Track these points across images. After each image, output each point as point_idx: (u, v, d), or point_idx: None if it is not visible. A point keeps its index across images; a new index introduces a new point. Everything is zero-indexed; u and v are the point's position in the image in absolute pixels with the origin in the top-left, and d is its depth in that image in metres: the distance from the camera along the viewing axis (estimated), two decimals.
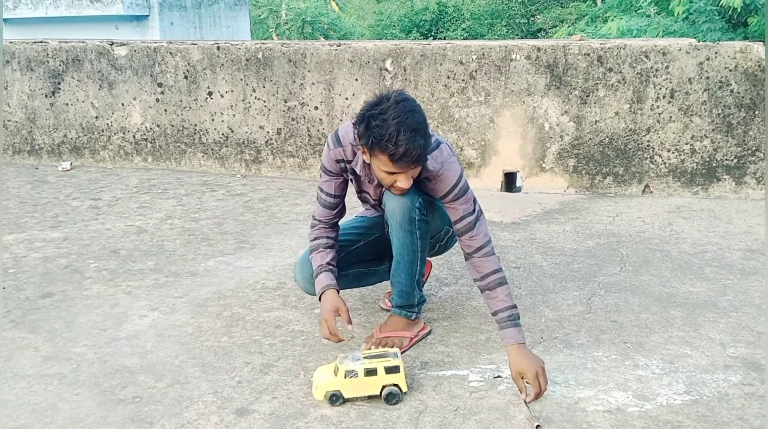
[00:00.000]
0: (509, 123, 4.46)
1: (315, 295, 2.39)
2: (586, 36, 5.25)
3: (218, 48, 4.90)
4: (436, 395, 2.18)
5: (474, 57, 4.40)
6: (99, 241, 3.67)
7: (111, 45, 5.15)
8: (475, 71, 4.42)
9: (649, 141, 4.27)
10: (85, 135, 5.35)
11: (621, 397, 2.16)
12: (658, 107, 4.20)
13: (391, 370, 2.11)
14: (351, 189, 2.55)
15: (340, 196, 2.47)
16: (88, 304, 2.90)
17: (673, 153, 4.26)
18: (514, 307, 2.25)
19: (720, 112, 4.14)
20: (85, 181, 4.92)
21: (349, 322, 2.29)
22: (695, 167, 4.26)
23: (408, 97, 2.10)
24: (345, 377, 2.09)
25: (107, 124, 5.28)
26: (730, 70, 4.06)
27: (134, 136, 5.25)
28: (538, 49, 4.31)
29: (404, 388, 2.13)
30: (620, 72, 4.20)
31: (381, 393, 2.11)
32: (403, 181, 2.13)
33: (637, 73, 4.18)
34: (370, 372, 2.10)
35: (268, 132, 4.94)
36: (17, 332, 2.65)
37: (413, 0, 21.12)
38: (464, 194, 2.27)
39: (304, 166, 4.92)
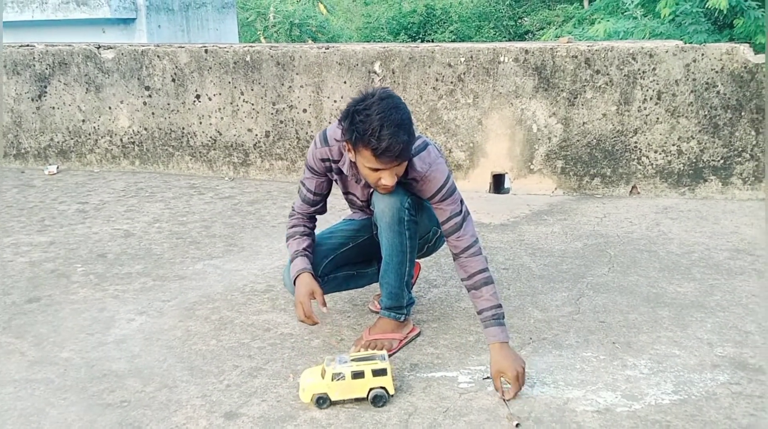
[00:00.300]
0: (497, 125, 4.47)
1: None
2: (574, 38, 5.27)
3: (206, 51, 4.89)
4: (426, 397, 2.18)
5: (462, 59, 4.41)
6: (86, 244, 3.64)
7: (98, 48, 5.13)
8: (464, 74, 4.43)
9: (636, 142, 4.29)
10: (72, 138, 5.32)
11: (610, 397, 2.16)
12: (645, 109, 4.22)
13: (379, 372, 2.11)
14: (337, 191, 2.55)
15: (321, 195, 2.49)
16: (75, 309, 2.88)
17: (660, 154, 4.28)
18: (499, 306, 2.26)
19: (706, 113, 4.16)
20: (72, 185, 4.89)
21: (324, 304, 2.32)
22: (682, 168, 4.29)
23: (393, 94, 2.11)
24: (332, 380, 2.09)
25: (94, 127, 5.25)
26: (717, 72, 4.09)
27: (121, 140, 5.23)
28: (526, 52, 4.32)
29: (391, 391, 2.13)
30: (608, 74, 4.22)
31: (368, 396, 2.11)
32: (387, 179, 2.14)
33: (625, 75, 4.20)
34: (358, 375, 2.10)
35: (257, 135, 4.93)
36: (3, 337, 2.63)
37: (401, 2, 21.17)
38: (451, 195, 2.28)
39: (293, 169, 4.91)
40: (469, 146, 4.55)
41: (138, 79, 5.06)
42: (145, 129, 5.15)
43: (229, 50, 4.87)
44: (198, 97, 4.97)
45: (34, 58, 5.23)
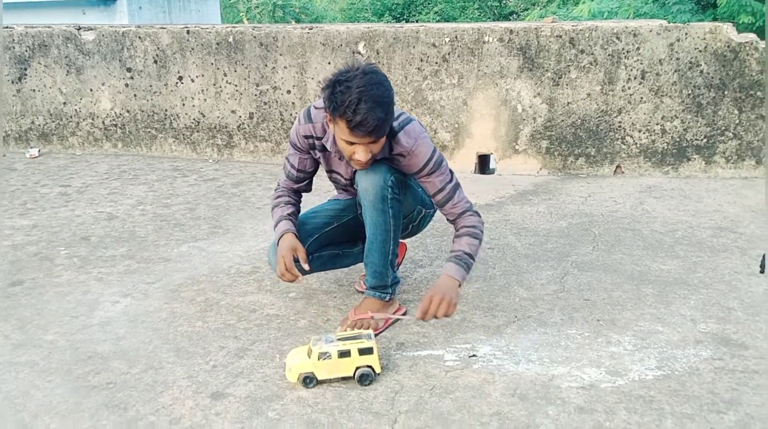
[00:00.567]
0: (482, 105, 4.46)
1: None
2: (558, 18, 5.26)
3: (188, 32, 4.84)
4: (412, 375, 2.19)
5: (447, 40, 4.39)
6: (69, 228, 3.62)
7: (78, 30, 5.06)
8: (448, 54, 4.41)
9: (620, 122, 4.30)
10: (53, 121, 5.26)
11: (594, 373, 2.18)
12: (629, 88, 4.23)
13: (365, 351, 2.11)
14: (322, 172, 2.54)
15: (305, 172, 2.50)
16: (59, 292, 2.86)
17: (644, 133, 4.30)
18: (470, 256, 2.30)
19: (690, 92, 4.17)
20: (54, 168, 4.84)
21: (306, 262, 2.34)
22: (666, 147, 4.31)
23: (378, 71, 2.11)
24: (318, 359, 2.09)
25: (75, 110, 5.20)
26: (700, 51, 4.10)
27: (103, 122, 5.18)
28: (511, 32, 4.31)
29: (378, 370, 2.13)
30: (592, 54, 4.22)
31: (354, 374, 2.12)
32: (361, 154, 2.14)
33: (609, 55, 4.20)
34: (344, 354, 2.10)
35: (240, 116, 4.90)
36: None
37: None
38: (440, 167, 2.30)
39: (277, 151, 4.88)
40: (455, 127, 4.54)
41: (119, 60, 5.00)
42: (128, 111, 5.10)
43: (211, 31, 4.82)
44: (180, 78, 4.92)
45: (13, 40, 5.15)
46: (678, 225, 3.50)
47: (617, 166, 4.40)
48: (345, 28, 4.58)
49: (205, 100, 4.92)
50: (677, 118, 4.24)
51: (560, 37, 4.24)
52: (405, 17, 19.85)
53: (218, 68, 4.83)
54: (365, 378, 2.12)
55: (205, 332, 2.49)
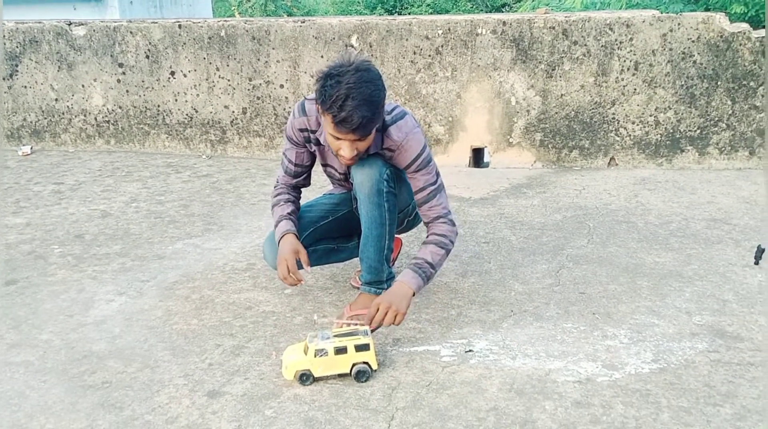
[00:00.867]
0: (476, 98, 4.45)
1: None
2: (551, 9, 5.25)
3: (180, 26, 4.81)
4: (409, 371, 2.19)
5: (440, 32, 4.38)
6: (63, 226, 3.60)
7: (69, 25, 5.02)
8: (442, 46, 4.40)
9: (614, 114, 4.30)
10: (45, 118, 5.23)
11: (590, 367, 2.18)
12: (622, 80, 4.23)
13: (361, 348, 2.11)
14: (317, 167, 2.53)
15: (302, 166, 2.49)
16: (53, 291, 2.85)
17: (637, 125, 4.30)
18: (430, 264, 2.28)
19: (683, 83, 4.17)
20: (47, 166, 4.81)
21: (308, 263, 2.33)
22: (659, 139, 4.31)
23: (371, 68, 2.10)
24: (315, 356, 2.09)
25: (67, 106, 5.17)
26: (693, 41, 4.10)
27: (96, 119, 5.15)
28: (504, 23, 4.29)
29: (374, 366, 2.13)
30: (585, 45, 4.21)
31: (351, 371, 2.11)
32: (345, 150, 2.14)
33: (602, 46, 4.19)
34: (340, 350, 2.10)
35: (233, 111, 4.88)
36: None
37: None
38: (427, 165, 2.29)
39: (271, 146, 4.87)
40: (448, 120, 4.53)
41: (111, 56, 4.97)
42: (120, 107, 5.08)
43: (203, 25, 4.79)
44: (173, 73, 4.90)
45: (4, 36, 5.12)
46: (672, 217, 3.51)
47: (611, 158, 4.40)
48: (337, 21, 4.56)
49: (197, 95, 4.90)
50: (671, 109, 4.24)
51: (553, 28, 4.23)
52: (397, 10, 19.77)
53: (210, 63, 4.81)
54: (362, 374, 2.12)
55: (200, 330, 2.49)
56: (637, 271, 2.89)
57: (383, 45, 4.48)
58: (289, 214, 2.45)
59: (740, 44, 4.05)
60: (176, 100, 4.95)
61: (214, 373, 2.21)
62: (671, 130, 4.28)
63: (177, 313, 2.62)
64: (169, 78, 4.91)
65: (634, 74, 4.20)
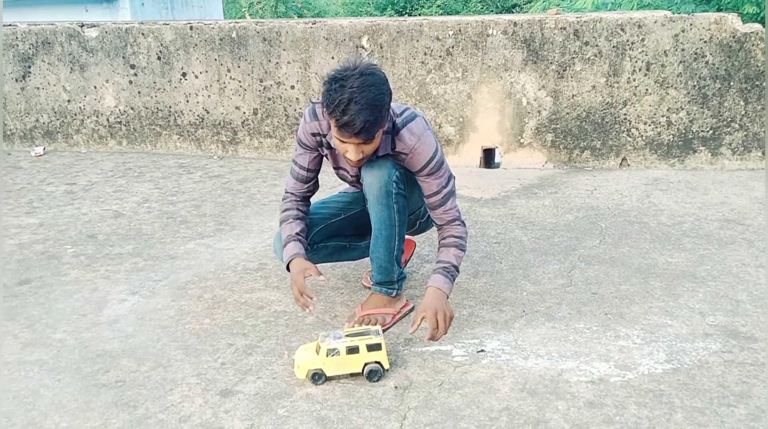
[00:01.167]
0: (487, 99, 4.45)
1: None
2: (562, 10, 5.24)
3: (191, 28, 4.83)
4: (421, 371, 2.19)
5: (451, 33, 4.38)
6: (75, 226, 3.62)
7: (81, 27, 5.05)
8: (452, 47, 4.40)
9: (625, 114, 4.29)
10: (58, 119, 5.27)
11: (603, 367, 2.17)
12: (634, 80, 4.21)
13: (373, 347, 2.11)
14: (327, 167, 2.54)
15: (314, 171, 2.47)
16: (67, 290, 2.86)
17: (649, 125, 4.28)
18: (456, 268, 2.32)
19: (695, 83, 4.16)
20: (59, 166, 4.84)
21: (319, 274, 2.30)
22: (671, 139, 4.29)
23: (376, 72, 2.09)
24: (327, 356, 2.09)
25: (80, 107, 5.20)
26: (705, 42, 4.08)
27: (108, 119, 5.18)
28: (515, 24, 4.29)
29: (386, 366, 2.13)
30: (596, 45, 4.20)
31: (363, 371, 2.12)
32: (351, 153, 2.14)
33: (613, 47, 4.18)
34: (352, 350, 2.10)
35: (245, 112, 4.89)
36: None
37: None
38: (439, 169, 2.28)
39: (282, 147, 4.88)
40: (459, 121, 4.53)
41: (123, 57, 5.00)
42: (132, 108, 5.10)
43: (214, 27, 4.81)
44: (184, 74, 4.92)
45: (17, 37, 5.15)
46: (685, 217, 3.49)
47: (623, 159, 4.38)
48: (348, 22, 4.57)
49: (209, 96, 4.92)
50: (683, 109, 4.22)
51: (564, 29, 4.22)
52: (408, 11, 19.77)
53: (222, 64, 4.82)
54: (374, 374, 2.12)
55: (213, 329, 2.50)
56: (650, 271, 2.87)
57: (394, 46, 4.48)
58: (297, 233, 2.42)
59: (753, 44, 4.02)
60: (188, 101, 4.97)
61: (227, 372, 2.21)
62: (683, 131, 4.26)
63: (189, 313, 2.63)
64: (181, 79, 4.93)
65: (646, 75, 4.19)
